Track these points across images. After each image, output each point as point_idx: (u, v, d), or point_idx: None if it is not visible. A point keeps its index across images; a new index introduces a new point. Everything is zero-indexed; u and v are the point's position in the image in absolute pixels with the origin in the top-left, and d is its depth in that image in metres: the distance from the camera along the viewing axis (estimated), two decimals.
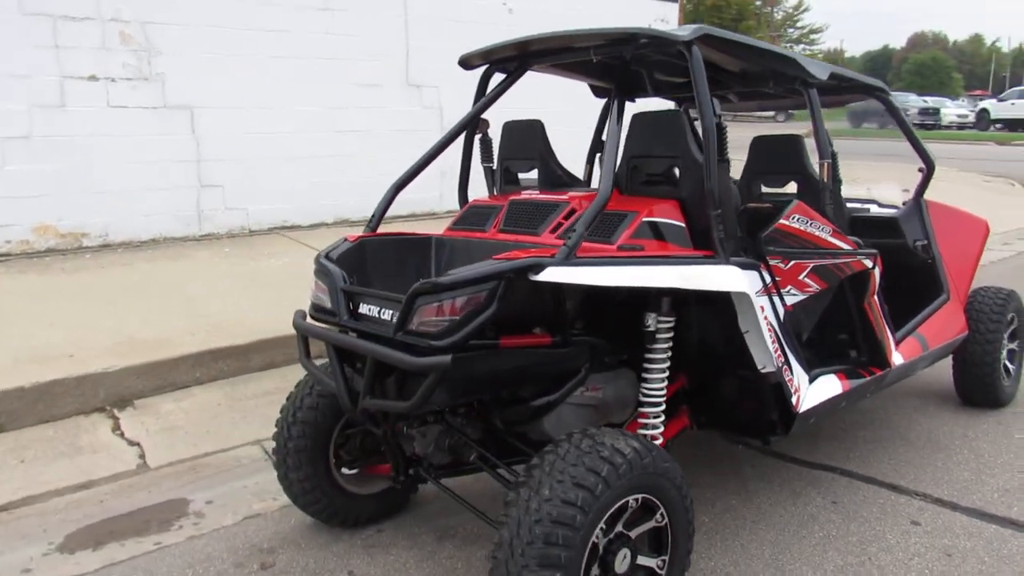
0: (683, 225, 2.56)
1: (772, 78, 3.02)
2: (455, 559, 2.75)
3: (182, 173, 6.85)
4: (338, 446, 2.88)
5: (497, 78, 3.16)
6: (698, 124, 2.59)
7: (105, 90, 6.37)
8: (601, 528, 2.01)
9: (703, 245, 2.54)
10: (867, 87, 3.47)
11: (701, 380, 2.85)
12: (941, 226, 3.76)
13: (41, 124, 6.21)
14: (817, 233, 2.77)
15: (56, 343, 4.34)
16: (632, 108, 4.19)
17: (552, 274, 2.08)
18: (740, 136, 2.97)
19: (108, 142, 6.44)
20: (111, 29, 6.34)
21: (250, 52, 7.08)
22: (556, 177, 3.16)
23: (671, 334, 2.50)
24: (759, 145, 3.30)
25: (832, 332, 3.10)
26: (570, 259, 2.12)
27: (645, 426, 2.55)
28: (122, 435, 3.76)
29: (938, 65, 70.67)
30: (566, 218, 2.61)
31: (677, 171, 2.64)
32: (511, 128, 3.23)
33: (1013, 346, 4.11)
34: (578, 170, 3.50)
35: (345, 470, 2.92)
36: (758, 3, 52.88)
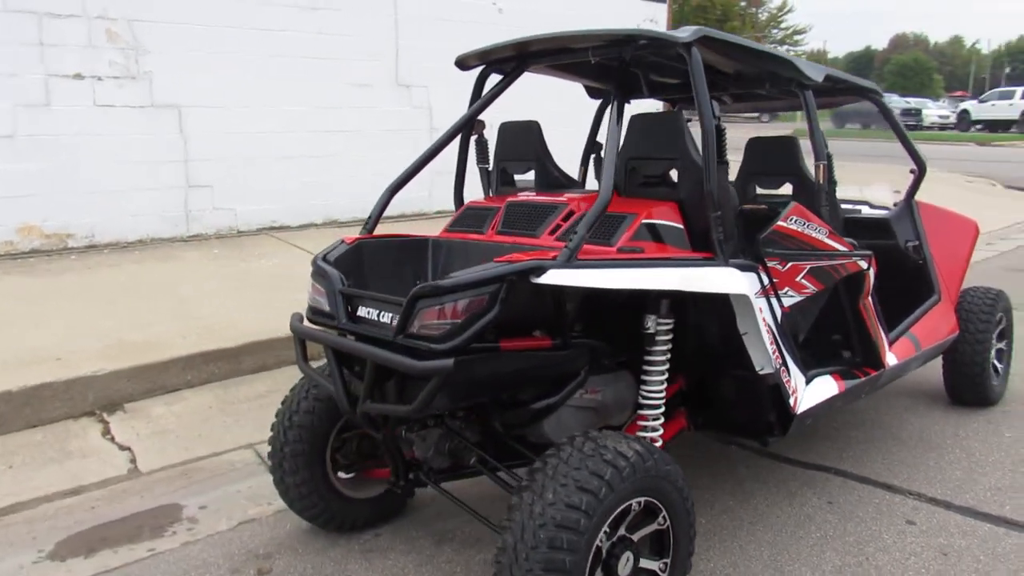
0: (682, 227, 2.57)
1: (768, 80, 3.03)
2: (454, 563, 2.74)
3: (170, 173, 6.78)
4: (335, 450, 2.86)
5: (493, 79, 3.15)
6: (691, 125, 2.60)
7: (91, 89, 6.29)
8: (604, 532, 2.01)
9: (702, 247, 2.54)
10: (861, 89, 3.49)
11: (699, 382, 2.85)
12: (932, 227, 3.79)
13: (25, 123, 6.12)
14: (814, 235, 2.79)
15: (43, 346, 4.28)
16: (628, 109, 4.22)
17: (554, 276, 2.07)
18: (730, 137, 2.97)
19: (94, 141, 6.36)
20: (97, 27, 6.26)
21: (238, 51, 7.02)
22: (553, 178, 3.16)
23: (670, 336, 2.50)
24: (754, 146, 3.31)
25: (827, 333, 3.11)
26: (571, 261, 2.11)
27: (644, 428, 2.55)
28: (112, 439, 3.72)
29: (919, 66, 71.39)
30: (564, 220, 2.60)
31: (675, 173, 2.64)
32: (507, 129, 3.22)
33: (1001, 345, 4.15)
34: (572, 171, 3.49)
35: (342, 474, 2.90)
36: (743, 4, 53.10)
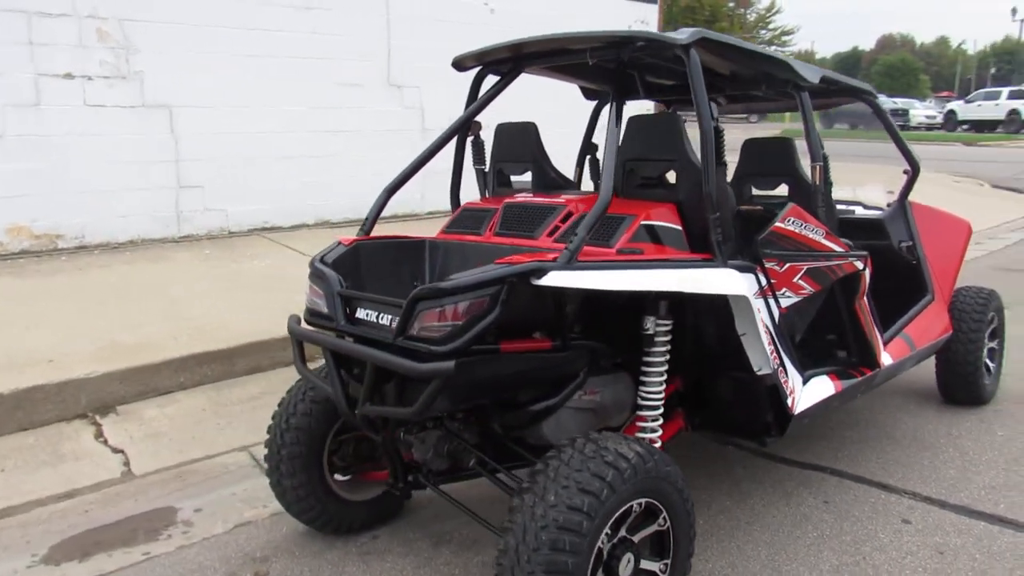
0: (680, 228, 2.57)
1: (764, 81, 3.04)
2: (452, 565, 2.73)
3: (160, 173, 6.73)
4: (331, 452, 2.85)
5: (490, 80, 3.14)
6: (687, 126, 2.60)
7: (82, 88, 6.24)
8: (606, 533, 2.01)
9: (700, 248, 2.54)
10: (856, 90, 3.51)
11: (697, 382, 2.86)
12: (925, 227, 3.81)
13: (15, 123, 6.07)
14: (811, 236, 2.80)
15: (35, 348, 4.24)
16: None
17: (555, 278, 2.07)
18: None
19: (85, 141, 6.31)
20: (88, 26, 6.21)
21: (230, 51, 6.98)
22: (550, 180, 3.16)
23: (669, 337, 2.51)
24: (750, 148, 3.32)
25: (823, 333, 3.13)
26: (572, 263, 2.11)
27: (643, 429, 2.55)
28: (105, 442, 3.69)
29: (906, 67, 71.84)
30: (563, 221, 2.60)
31: (673, 174, 2.64)
32: (504, 130, 3.21)
33: (993, 345, 4.18)
34: (568, 173, 3.49)
35: (338, 476, 2.89)
36: (731, 5, 53.30)
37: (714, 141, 2.42)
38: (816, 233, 2.82)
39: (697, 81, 2.44)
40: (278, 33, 7.29)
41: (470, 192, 3.26)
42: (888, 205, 3.88)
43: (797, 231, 2.74)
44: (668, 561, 2.22)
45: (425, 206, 8.29)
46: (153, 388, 4.11)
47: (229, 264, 6.24)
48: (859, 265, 3.03)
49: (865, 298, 3.12)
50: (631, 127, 2.72)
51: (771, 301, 2.63)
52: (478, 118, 3.11)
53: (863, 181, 4.47)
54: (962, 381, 3.98)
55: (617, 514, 2.03)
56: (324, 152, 7.76)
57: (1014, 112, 32.79)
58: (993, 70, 74.98)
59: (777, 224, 2.67)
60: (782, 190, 3.31)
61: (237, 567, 2.73)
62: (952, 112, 36.39)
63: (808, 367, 2.89)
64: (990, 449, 3.61)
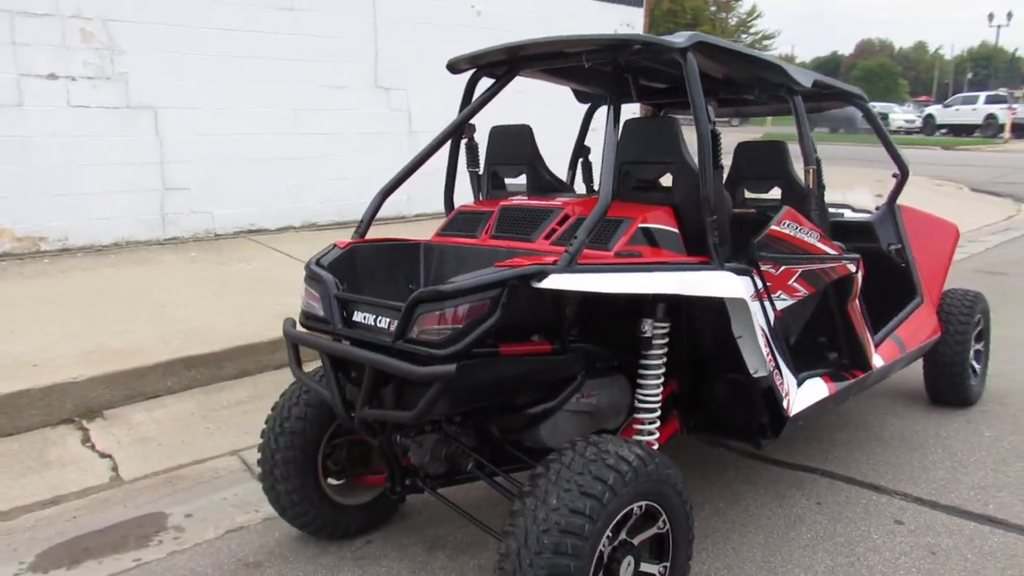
0: (677, 231, 2.58)
1: (758, 85, 3.05)
2: (448, 569, 2.72)
3: (145, 175, 6.66)
4: (325, 456, 2.83)
5: (483, 84, 3.13)
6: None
7: (65, 89, 6.16)
8: (607, 536, 2.01)
9: (697, 251, 2.55)
10: (847, 94, 3.54)
11: (692, 385, 2.86)
12: (913, 230, 3.85)
13: None
14: (806, 239, 2.81)
15: (19, 352, 4.17)
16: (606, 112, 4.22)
17: (555, 281, 2.07)
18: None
19: (68, 143, 6.23)
20: (71, 26, 6.13)
21: (216, 52, 6.92)
22: (545, 182, 3.15)
23: (666, 339, 2.51)
24: (743, 151, 3.34)
25: (816, 335, 3.15)
26: (572, 266, 2.11)
27: (640, 432, 2.55)
28: (92, 447, 3.64)
29: (885, 71, 72.60)
30: (559, 224, 2.60)
31: (669, 177, 2.65)
32: (498, 133, 3.21)
33: (979, 346, 4.23)
34: (560, 175, 3.49)
35: (332, 480, 2.86)
36: (712, 9, 53.65)
37: (711, 144, 2.42)
38: (810, 236, 2.84)
39: (694, 85, 2.44)
40: (265, 35, 7.24)
41: (463, 195, 3.25)
42: (877, 208, 3.91)
43: (792, 234, 2.76)
44: (667, 564, 2.22)
45: (413, 208, 8.27)
46: (140, 392, 4.06)
47: (216, 267, 6.18)
48: (852, 268, 3.05)
49: (857, 300, 3.14)
50: (627, 130, 2.72)
51: (767, 304, 2.64)
52: (472, 121, 3.10)
53: (847, 184, 4.51)
54: (949, 382, 4.02)
55: (618, 517, 2.02)
56: (311, 154, 7.72)
57: (991, 117, 33.24)
58: (970, 75, 76.04)
59: (773, 227, 2.68)
60: (774, 193, 3.34)
61: (230, 573, 2.70)
62: (931, 116, 36.81)
63: (802, 369, 2.91)
64: (978, 450, 3.65)
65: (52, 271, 5.84)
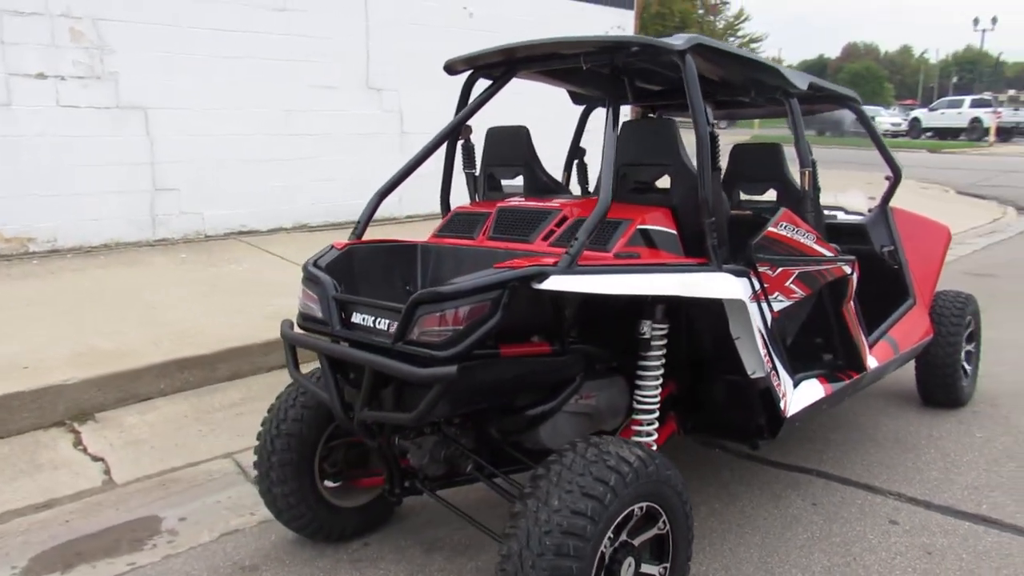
0: (675, 233, 2.58)
1: (754, 88, 3.07)
2: (446, 571, 2.71)
3: (135, 176, 6.60)
4: (322, 458, 2.81)
5: (480, 85, 3.13)
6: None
7: (54, 89, 6.10)
8: (608, 537, 2.01)
9: (695, 252, 2.56)
10: (842, 97, 3.56)
11: (690, 386, 2.87)
12: (906, 232, 3.88)
13: None
14: (803, 240, 2.83)
15: (9, 354, 4.13)
16: (603, 114, 4.23)
17: (556, 282, 2.07)
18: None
19: (57, 143, 6.17)
20: (61, 25, 6.08)
21: (207, 52, 6.89)
22: (542, 184, 3.15)
23: (665, 341, 2.51)
24: (739, 153, 3.35)
25: (811, 336, 3.16)
26: (572, 267, 2.11)
27: (639, 433, 2.56)
28: (85, 450, 3.60)
29: (871, 75, 73.14)
30: (558, 225, 2.60)
31: (666, 179, 2.65)
32: (495, 134, 3.20)
33: (970, 347, 4.26)
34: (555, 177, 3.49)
35: (328, 483, 2.85)
36: (700, 12, 53.87)
37: (710, 146, 2.43)
38: (807, 238, 2.85)
39: (692, 87, 2.45)
40: (257, 35, 7.20)
41: (458, 196, 3.25)
42: (869, 210, 3.94)
43: (789, 236, 2.77)
44: (667, 565, 2.22)
45: (404, 210, 8.25)
46: (133, 395, 4.03)
47: (206, 268, 6.14)
48: (847, 269, 3.07)
49: (852, 302, 3.16)
50: (625, 132, 2.73)
51: (764, 305, 2.65)
52: (468, 122, 3.10)
53: (838, 186, 4.53)
54: (941, 383, 4.05)
55: (619, 518, 2.02)
56: (302, 155, 7.69)
57: (976, 120, 33.57)
58: (955, 79, 76.73)
59: (770, 228, 2.69)
60: (768, 195, 3.35)
61: None
62: (916, 120, 37.14)
63: (798, 370, 2.92)
64: (970, 450, 3.68)
65: (41, 272, 5.79)
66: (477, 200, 3.29)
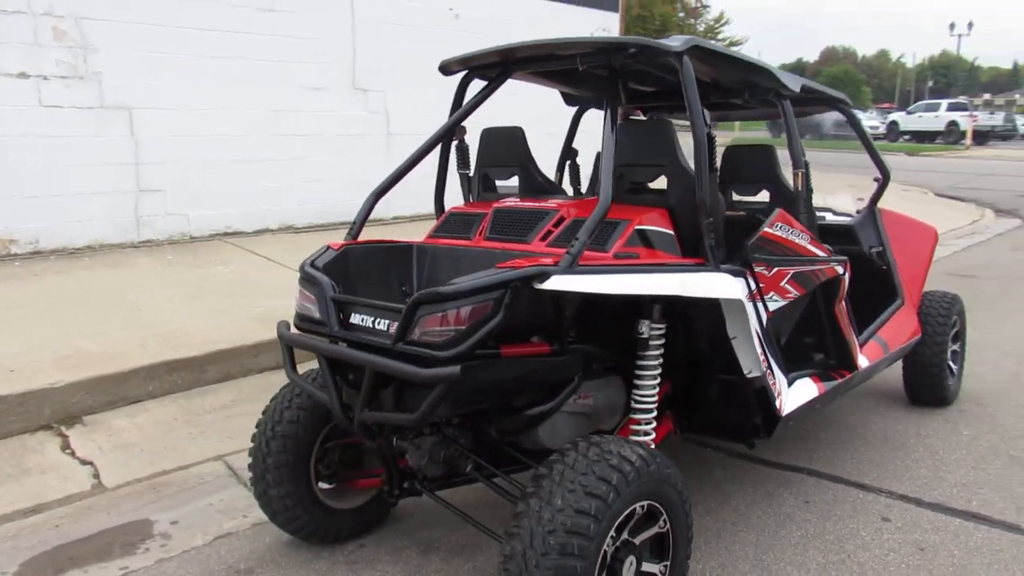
0: (672, 233, 2.60)
1: (747, 89, 3.09)
2: (443, 572, 2.71)
3: (120, 177, 6.53)
4: (317, 460, 2.79)
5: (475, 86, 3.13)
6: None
7: (37, 88, 6.02)
8: (611, 536, 2.01)
9: (692, 252, 2.57)
10: (832, 99, 3.60)
11: (686, 386, 2.88)
12: (894, 233, 3.92)
13: None
14: (797, 240, 2.85)
15: None
16: (594, 115, 4.25)
17: (558, 282, 2.07)
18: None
19: (40, 143, 6.08)
20: (43, 24, 6.00)
21: (192, 52, 6.82)
22: (537, 184, 3.16)
23: (663, 340, 2.53)
24: (732, 154, 3.37)
25: (804, 336, 3.19)
26: (573, 267, 2.12)
27: (636, 432, 2.57)
28: (73, 454, 3.56)
29: (849, 78, 73.94)
30: (555, 226, 2.61)
31: (665, 180, 2.67)
32: (490, 135, 3.20)
33: (955, 347, 4.32)
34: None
35: (323, 484, 2.83)
36: (681, 15, 54.20)
37: (707, 147, 2.45)
38: (801, 238, 2.88)
39: (690, 88, 2.47)
40: (242, 35, 7.15)
41: (450, 198, 3.24)
42: (858, 212, 3.98)
43: (784, 236, 2.79)
44: (668, 563, 2.23)
45: (390, 211, 8.21)
46: (121, 397, 3.98)
47: (193, 270, 6.09)
48: (840, 270, 3.10)
49: (844, 302, 3.19)
50: (623, 133, 2.74)
51: (759, 305, 2.67)
52: (462, 123, 3.10)
53: (826, 188, 4.57)
54: (928, 382, 4.10)
55: (621, 517, 2.03)
56: (287, 156, 7.64)
57: (953, 124, 34.05)
58: (931, 83, 77.77)
59: (766, 229, 2.72)
60: (760, 196, 3.37)
61: None
62: (894, 123, 37.61)
63: (791, 370, 2.95)
64: (957, 448, 3.73)
65: (24, 274, 5.71)
66: (471, 201, 3.29)
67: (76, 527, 3.01)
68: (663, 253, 2.54)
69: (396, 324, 2.15)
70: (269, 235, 7.47)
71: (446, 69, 3.10)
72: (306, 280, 2.49)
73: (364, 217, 2.84)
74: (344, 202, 7.92)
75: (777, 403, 2.72)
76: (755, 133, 34.37)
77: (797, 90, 3.09)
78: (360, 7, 8.06)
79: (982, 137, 33.67)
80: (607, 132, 2.38)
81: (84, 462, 3.50)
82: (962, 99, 39.71)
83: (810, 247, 2.93)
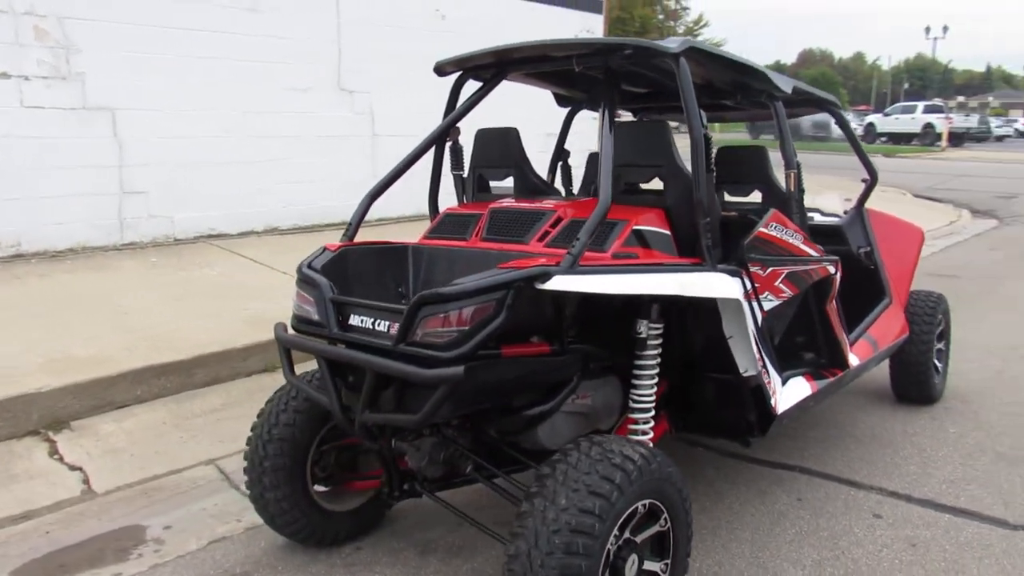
0: (669, 233, 2.62)
1: (740, 91, 3.12)
2: (441, 573, 2.70)
3: (103, 178, 6.43)
4: (313, 463, 2.78)
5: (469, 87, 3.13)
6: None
7: (18, 89, 5.92)
8: (614, 535, 2.02)
9: (688, 253, 2.59)
10: (822, 101, 3.64)
11: (683, 385, 2.90)
12: (881, 233, 3.97)
13: None
14: (791, 241, 2.88)
15: None
16: (585, 116, 4.26)
17: (560, 283, 2.08)
18: None
19: (21, 144, 5.97)
20: (24, 23, 5.90)
21: (177, 52, 6.75)
22: (532, 185, 3.16)
23: (660, 340, 2.54)
24: (724, 155, 3.40)
25: (796, 335, 3.22)
26: (575, 267, 2.12)
27: (634, 432, 2.58)
28: (61, 459, 3.51)
29: (826, 81, 74.73)
30: (553, 226, 2.62)
31: (661, 180, 2.68)
32: (484, 135, 3.21)
33: (940, 346, 4.38)
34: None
35: (319, 487, 2.82)
36: (660, 17, 54.50)
37: (704, 148, 2.47)
38: (795, 238, 2.91)
39: (687, 89, 2.49)
40: (226, 35, 7.08)
41: (444, 198, 3.24)
42: (845, 212, 4.02)
43: (779, 236, 2.82)
44: (668, 561, 2.25)
45: (374, 213, 8.11)
46: (109, 402, 3.93)
47: (178, 272, 6.03)
48: (831, 269, 3.13)
49: (835, 301, 3.22)
50: (619, 134, 2.75)
51: (754, 304, 2.69)
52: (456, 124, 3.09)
53: (808, 189, 4.62)
54: (915, 381, 4.16)
55: (624, 515, 2.04)
56: (273, 157, 7.58)
57: (929, 126, 34.50)
58: (906, 85, 78.80)
59: (761, 229, 2.74)
60: (755, 196, 3.40)
61: None
62: (871, 125, 38.04)
63: (784, 368, 2.98)
64: (944, 445, 3.78)
65: (6, 277, 5.61)
66: (465, 201, 3.29)
67: (67, 533, 2.97)
68: (660, 253, 2.56)
69: (397, 325, 2.14)
70: (254, 237, 7.41)
71: (440, 70, 3.10)
72: (304, 282, 2.48)
73: (360, 218, 2.84)
74: (330, 203, 7.90)
75: (772, 401, 2.75)
76: (734, 135, 34.67)
77: (789, 92, 3.13)
78: (345, 8, 8.02)
79: (957, 139, 34.16)
80: (604, 132, 2.39)
81: (73, 468, 3.45)
82: (937, 101, 40.26)
83: (803, 247, 2.96)
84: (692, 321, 2.68)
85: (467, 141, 3.24)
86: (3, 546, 2.88)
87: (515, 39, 2.91)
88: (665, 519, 2.21)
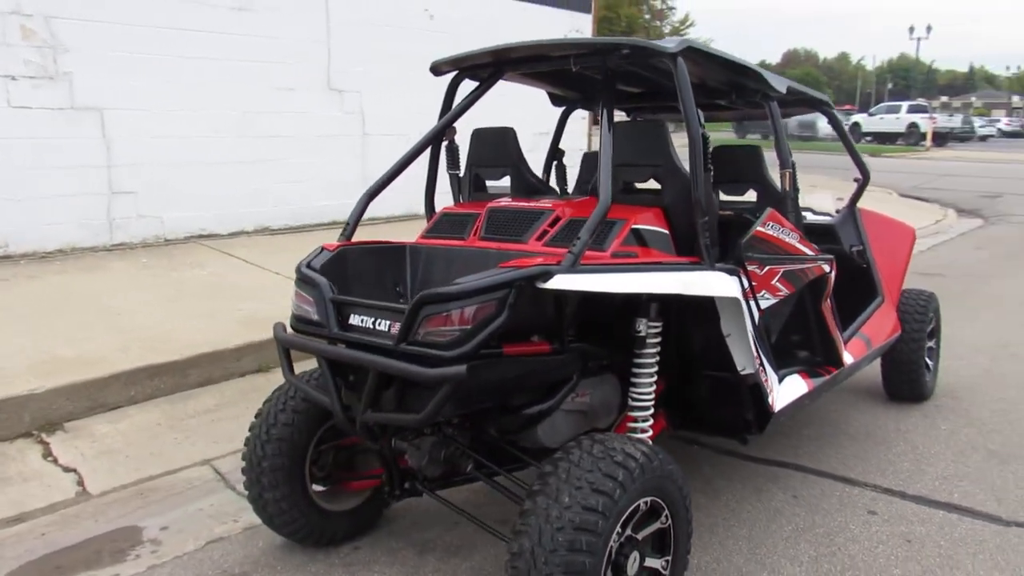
0: (667, 232, 2.63)
1: (735, 91, 3.14)
2: (440, 572, 2.71)
3: (91, 179, 6.39)
4: (311, 462, 2.78)
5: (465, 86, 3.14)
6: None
7: (5, 89, 5.86)
8: (616, 532, 2.03)
9: (686, 251, 2.61)
10: (816, 101, 3.67)
11: (680, 384, 2.92)
12: (873, 232, 4.00)
13: None
14: (788, 240, 2.90)
15: None
16: (577, 115, 4.27)
17: (561, 282, 2.09)
18: None
19: (8, 145, 5.92)
20: (11, 23, 5.85)
21: (165, 52, 6.71)
22: (529, 184, 3.17)
23: (659, 339, 2.56)
24: (719, 154, 3.42)
25: (792, 333, 3.24)
26: (576, 266, 2.13)
27: (633, 430, 2.59)
28: (55, 461, 3.48)
29: (811, 80, 75.23)
30: (551, 225, 2.62)
31: (659, 180, 2.70)
32: (481, 135, 3.21)
33: (931, 344, 4.42)
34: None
35: (317, 487, 2.82)
36: (647, 17, 54.66)
37: (702, 148, 2.48)
38: (791, 237, 2.93)
39: (685, 90, 2.50)
40: (216, 35, 7.05)
41: (440, 198, 3.24)
42: (837, 211, 4.05)
43: (776, 235, 2.84)
44: (669, 558, 2.26)
45: (368, 212, 8.15)
46: (102, 403, 3.91)
47: (169, 273, 5.99)
48: (826, 268, 3.16)
49: (829, 299, 3.25)
50: (617, 133, 2.76)
51: (752, 303, 2.71)
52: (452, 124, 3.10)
53: (804, 188, 4.65)
54: (907, 378, 4.19)
55: (627, 513, 2.05)
56: (263, 157, 7.55)
57: (913, 125, 34.81)
58: (890, 85, 79.46)
59: (758, 228, 2.76)
60: (750, 196, 3.42)
61: None
62: (856, 124, 38.28)
63: (780, 366, 3.00)
64: (937, 442, 3.82)
65: None
66: (462, 201, 3.29)
67: (63, 535, 2.95)
68: (658, 252, 2.57)
69: (397, 325, 2.15)
70: (245, 237, 7.38)
71: (436, 70, 3.10)
72: (303, 282, 2.47)
73: (357, 218, 2.84)
74: (321, 203, 7.88)
75: (769, 399, 2.77)
76: (721, 134, 34.81)
77: (783, 91, 3.15)
78: (335, 7, 8.00)
79: (941, 139, 34.49)
80: (604, 132, 2.40)
81: (67, 469, 3.43)
82: (921, 101, 40.62)
83: (800, 246, 2.98)
84: (690, 320, 2.69)
85: (463, 141, 3.24)
86: None
87: (506, 39, 2.92)
88: (666, 516, 2.22)
